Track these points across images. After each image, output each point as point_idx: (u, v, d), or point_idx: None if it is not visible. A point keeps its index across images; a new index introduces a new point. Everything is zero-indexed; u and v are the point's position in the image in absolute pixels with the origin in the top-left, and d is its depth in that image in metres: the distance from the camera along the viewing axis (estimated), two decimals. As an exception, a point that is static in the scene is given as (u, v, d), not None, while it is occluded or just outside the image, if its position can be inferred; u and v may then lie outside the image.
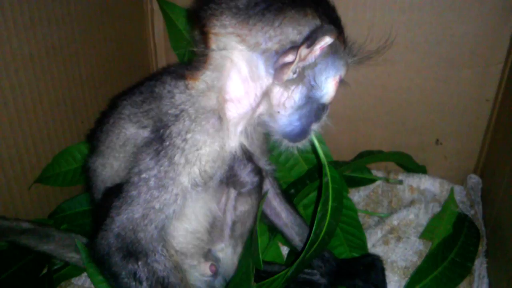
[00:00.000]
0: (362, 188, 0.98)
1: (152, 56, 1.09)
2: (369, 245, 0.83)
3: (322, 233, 0.65)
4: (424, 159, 1.00)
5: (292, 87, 0.57)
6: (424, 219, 0.89)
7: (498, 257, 0.79)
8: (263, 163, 0.69)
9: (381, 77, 0.96)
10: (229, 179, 0.66)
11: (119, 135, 0.63)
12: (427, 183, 0.97)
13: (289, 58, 0.54)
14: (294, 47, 0.54)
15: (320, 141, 0.68)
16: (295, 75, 0.56)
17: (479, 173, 0.98)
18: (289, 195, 0.83)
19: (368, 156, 0.96)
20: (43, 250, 0.72)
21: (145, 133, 0.59)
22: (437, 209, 0.91)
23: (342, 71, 0.60)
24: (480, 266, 0.80)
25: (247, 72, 0.57)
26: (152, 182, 0.55)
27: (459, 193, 0.95)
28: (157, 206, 0.55)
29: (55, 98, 0.81)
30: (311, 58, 0.55)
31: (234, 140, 0.60)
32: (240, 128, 0.61)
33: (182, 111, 0.57)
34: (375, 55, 0.60)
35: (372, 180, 0.97)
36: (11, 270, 0.69)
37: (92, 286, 0.70)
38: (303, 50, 0.54)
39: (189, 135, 0.56)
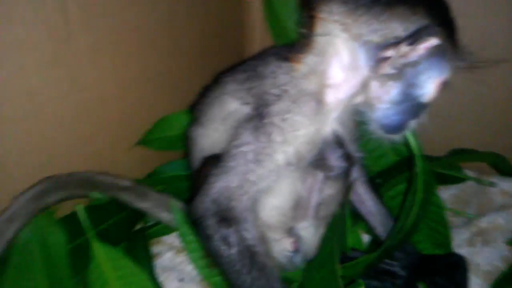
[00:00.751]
0: (451, 186, 0.95)
1: (248, 36, 1.12)
2: (454, 244, 0.81)
3: (408, 223, 0.65)
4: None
5: (390, 82, 0.57)
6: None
7: None
8: (353, 150, 0.70)
9: (481, 72, 0.92)
10: (318, 162, 0.67)
11: (221, 109, 0.66)
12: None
13: (390, 53, 0.54)
14: (397, 43, 0.54)
15: (413, 134, 0.67)
16: (394, 71, 0.56)
17: None
18: (375, 184, 0.82)
19: (461, 154, 0.93)
20: (138, 207, 0.78)
21: (247, 110, 0.62)
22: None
23: (447, 74, 0.59)
24: None
25: (348, 60, 0.58)
26: (249, 156, 0.58)
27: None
28: (252, 179, 0.58)
29: (159, 68, 0.86)
30: (413, 56, 0.55)
31: (329, 125, 0.62)
32: (335, 114, 0.62)
33: (283, 91, 0.59)
34: (487, 65, 0.58)
35: (462, 179, 0.94)
36: (108, 223, 0.76)
37: (181, 245, 0.75)
38: (405, 47, 0.54)
39: (288, 115, 0.58)
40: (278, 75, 0.60)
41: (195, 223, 0.60)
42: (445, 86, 0.60)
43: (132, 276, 0.67)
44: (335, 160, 0.67)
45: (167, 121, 0.89)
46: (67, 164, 0.74)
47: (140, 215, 0.81)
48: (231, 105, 0.65)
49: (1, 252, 0.64)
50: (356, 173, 0.75)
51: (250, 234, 0.60)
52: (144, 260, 0.73)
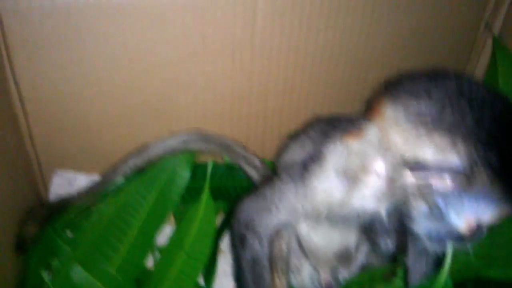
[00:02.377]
0: None
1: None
2: None
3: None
4: None
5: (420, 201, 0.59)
6: None
7: None
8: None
9: None
10: (368, 233, 0.73)
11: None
12: None
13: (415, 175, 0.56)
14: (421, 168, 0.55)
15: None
16: (419, 193, 0.58)
17: None
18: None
19: None
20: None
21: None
22: None
23: (486, 215, 0.56)
24: None
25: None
26: (277, 190, 0.70)
27: None
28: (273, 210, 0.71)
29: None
30: (439, 186, 0.55)
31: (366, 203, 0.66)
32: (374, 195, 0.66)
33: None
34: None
35: None
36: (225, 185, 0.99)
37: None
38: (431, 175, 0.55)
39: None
40: (331, 136, 0.68)
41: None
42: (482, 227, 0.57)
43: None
44: (383, 240, 0.72)
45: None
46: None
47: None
48: (297, 146, 0.77)
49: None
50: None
51: (261, 249, 0.73)
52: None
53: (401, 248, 0.71)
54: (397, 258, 0.74)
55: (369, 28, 0.92)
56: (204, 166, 0.96)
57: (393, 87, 0.62)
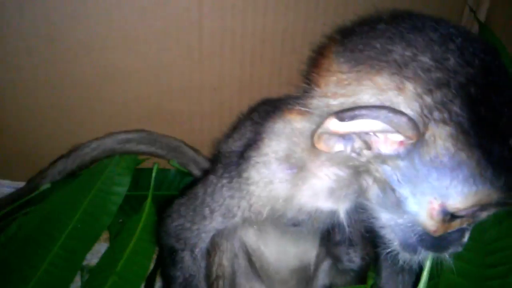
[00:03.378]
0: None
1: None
2: None
3: None
4: None
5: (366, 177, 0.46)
6: None
7: None
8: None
9: None
10: (327, 246, 0.59)
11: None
12: None
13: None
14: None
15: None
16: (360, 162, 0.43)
17: None
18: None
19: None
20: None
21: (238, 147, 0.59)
22: None
23: (455, 199, 0.39)
24: None
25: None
26: (209, 192, 0.56)
27: None
28: (205, 215, 0.57)
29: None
30: (380, 149, 0.40)
31: (314, 200, 0.52)
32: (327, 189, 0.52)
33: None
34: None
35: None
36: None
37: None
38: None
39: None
40: (275, 123, 0.52)
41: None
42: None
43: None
44: (344, 254, 0.58)
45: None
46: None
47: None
48: (237, 133, 0.62)
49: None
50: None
51: (195, 265, 0.58)
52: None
53: (370, 264, 0.57)
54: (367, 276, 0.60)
55: (338, 11, 0.80)
56: (149, 171, 0.83)
57: (342, 33, 0.47)
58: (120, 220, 0.80)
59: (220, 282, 0.62)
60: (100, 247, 0.78)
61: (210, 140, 0.79)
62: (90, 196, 0.77)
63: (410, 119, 0.36)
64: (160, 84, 0.80)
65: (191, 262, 0.58)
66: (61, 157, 0.80)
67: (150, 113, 0.82)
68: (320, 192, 0.48)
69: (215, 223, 0.56)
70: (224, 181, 0.54)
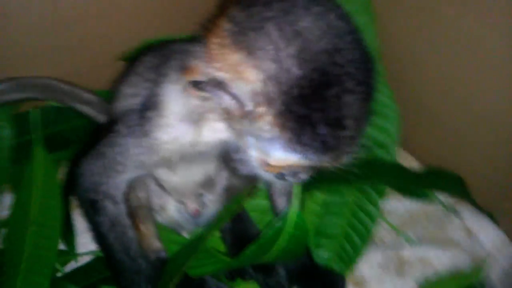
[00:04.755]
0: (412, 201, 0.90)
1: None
2: (366, 261, 0.82)
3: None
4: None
5: None
6: (443, 267, 0.83)
7: None
8: None
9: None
10: (225, 160, 0.68)
11: (124, 88, 0.69)
12: (485, 231, 0.87)
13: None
14: None
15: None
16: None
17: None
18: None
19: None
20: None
21: (135, 101, 0.64)
22: (464, 265, 0.83)
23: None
24: None
25: None
26: (119, 147, 0.62)
27: (506, 260, 0.84)
28: (118, 168, 0.63)
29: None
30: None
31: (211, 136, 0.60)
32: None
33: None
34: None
35: (424, 196, 0.89)
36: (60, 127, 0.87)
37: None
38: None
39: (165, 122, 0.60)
40: (168, 79, 0.59)
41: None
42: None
43: (50, 187, 0.79)
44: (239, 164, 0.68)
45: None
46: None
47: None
48: (130, 89, 0.67)
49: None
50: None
51: (116, 212, 0.66)
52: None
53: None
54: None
55: None
56: (27, 114, 0.84)
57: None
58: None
59: (140, 211, 0.71)
60: (5, 199, 0.81)
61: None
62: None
63: (234, 100, 0.47)
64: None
65: (113, 208, 0.65)
66: None
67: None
68: (219, 132, 0.57)
69: (129, 174, 0.64)
70: (130, 140, 0.60)
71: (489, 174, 0.86)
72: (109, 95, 0.89)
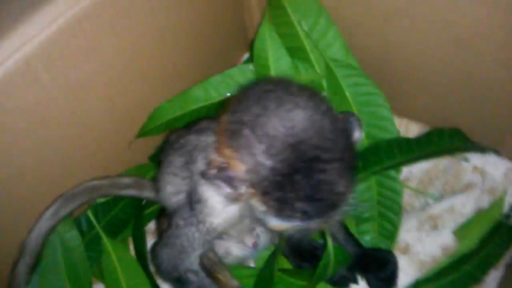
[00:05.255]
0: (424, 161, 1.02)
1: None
2: (404, 229, 0.95)
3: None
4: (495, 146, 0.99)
5: None
6: (469, 211, 0.96)
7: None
8: None
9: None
10: None
11: (166, 184, 0.81)
12: (493, 166, 0.99)
13: None
14: None
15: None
16: None
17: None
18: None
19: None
20: (141, 197, 0.99)
21: (182, 197, 0.77)
22: (486, 203, 0.96)
23: None
24: (493, 279, 0.89)
25: None
26: (183, 237, 0.75)
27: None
28: (188, 252, 0.77)
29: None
30: None
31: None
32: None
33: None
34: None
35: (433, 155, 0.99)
36: (110, 215, 0.99)
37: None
38: None
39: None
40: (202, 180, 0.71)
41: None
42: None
43: (131, 266, 0.92)
44: None
45: (162, 109, 1.00)
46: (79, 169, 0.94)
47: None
48: (172, 187, 0.79)
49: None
50: None
51: (198, 278, 0.81)
52: (142, 244, 0.97)
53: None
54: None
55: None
56: (80, 219, 0.97)
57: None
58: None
59: (214, 266, 0.85)
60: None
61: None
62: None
63: (230, 185, 0.59)
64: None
65: (194, 276, 0.80)
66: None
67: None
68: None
69: (198, 251, 0.77)
70: (190, 228, 0.74)
71: (480, 116, 0.99)
72: (138, 170, 1.03)
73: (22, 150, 0.79)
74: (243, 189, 0.59)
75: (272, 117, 0.57)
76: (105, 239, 0.93)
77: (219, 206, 0.71)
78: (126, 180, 0.97)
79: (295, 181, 0.56)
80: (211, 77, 1.00)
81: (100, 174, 0.96)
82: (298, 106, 0.58)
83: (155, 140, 1.05)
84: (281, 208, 0.57)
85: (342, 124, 0.61)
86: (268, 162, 0.56)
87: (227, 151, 0.60)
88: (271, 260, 0.87)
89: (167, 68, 0.98)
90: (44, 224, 0.89)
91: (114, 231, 0.98)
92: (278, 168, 0.56)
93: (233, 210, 0.70)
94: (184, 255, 0.77)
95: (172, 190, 0.80)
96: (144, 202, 1.03)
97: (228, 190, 0.60)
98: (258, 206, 0.59)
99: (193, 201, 0.73)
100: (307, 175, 0.56)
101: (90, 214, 0.96)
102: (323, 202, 0.57)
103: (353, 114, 0.64)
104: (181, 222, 0.75)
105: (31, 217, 0.89)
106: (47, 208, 0.90)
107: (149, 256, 0.94)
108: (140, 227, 0.99)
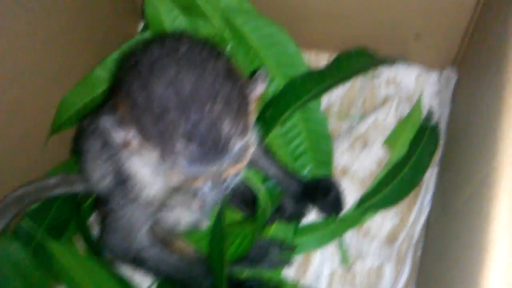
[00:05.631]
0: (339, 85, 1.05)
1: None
2: (338, 153, 0.99)
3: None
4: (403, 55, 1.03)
5: None
6: (392, 122, 1.01)
7: (447, 167, 0.93)
8: None
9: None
10: None
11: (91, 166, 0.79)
12: (404, 74, 1.05)
13: None
14: None
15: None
16: None
17: (457, 67, 1.02)
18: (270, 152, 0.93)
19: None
20: (71, 193, 0.96)
21: (109, 179, 0.76)
22: (407, 110, 1.01)
23: None
24: (430, 177, 0.95)
25: None
26: (127, 215, 0.75)
27: (432, 86, 1.02)
28: (136, 228, 0.77)
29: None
30: None
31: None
32: None
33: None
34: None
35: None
36: (48, 218, 0.95)
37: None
38: None
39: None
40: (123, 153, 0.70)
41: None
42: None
43: (82, 262, 0.90)
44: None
45: (67, 100, 0.96)
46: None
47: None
48: (98, 171, 0.77)
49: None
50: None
51: (154, 253, 0.81)
52: (90, 237, 0.95)
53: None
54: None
55: None
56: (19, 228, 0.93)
57: None
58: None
59: (167, 237, 0.84)
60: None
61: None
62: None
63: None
64: None
65: (149, 253, 0.80)
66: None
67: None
68: None
69: (144, 227, 0.78)
70: (129, 206, 0.74)
71: (382, 31, 1.03)
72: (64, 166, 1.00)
73: None
74: (130, 133, 0.59)
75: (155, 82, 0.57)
76: (50, 243, 0.91)
77: (148, 177, 0.70)
78: (53, 180, 0.94)
79: (172, 118, 0.56)
80: (110, 55, 0.98)
81: (24, 180, 0.92)
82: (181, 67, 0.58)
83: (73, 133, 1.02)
84: (164, 149, 0.57)
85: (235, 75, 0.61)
86: (147, 104, 0.57)
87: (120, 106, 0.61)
88: (218, 218, 0.88)
89: (61, 59, 0.95)
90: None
91: (57, 233, 0.94)
92: (154, 107, 0.56)
93: (161, 178, 0.70)
94: (132, 235, 0.77)
95: (99, 175, 0.78)
96: (79, 197, 0.99)
97: (118, 132, 0.59)
98: (148, 154, 0.59)
99: (122, 180, 0.72)
100: (183, 113, 0.56)
101: (27, 221, 0.92)
102: (204, 143, 0.57)
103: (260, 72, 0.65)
104: (118, 204, 0.74)
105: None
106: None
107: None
108: (83, 222, 0.96)
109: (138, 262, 0.80)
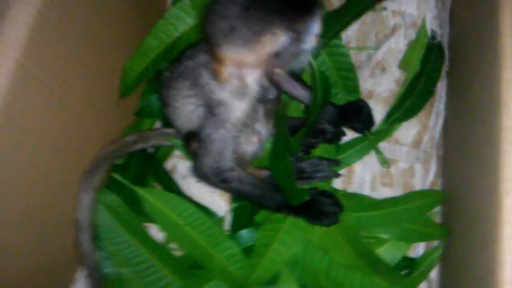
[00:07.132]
0: (354, 22, 1.22)
1: None
2: (361, 80, 1.17)
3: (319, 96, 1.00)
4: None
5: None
6: (403, 46, 1.19)
7: (454, 77, 1.12)
8: None
9: None
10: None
11: (182, 107, 0.96)
12: (407, 4, 1.22)
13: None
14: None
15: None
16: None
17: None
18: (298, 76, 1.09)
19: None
20: (147, 147, 1.13)
21: (202, 110, 0.93)
22: (414, 34, 1.19)
23: None
24: (441, 87, 1.14)
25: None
26: (218, 141, 0.93)
27: (432, 10, 1.20)
28: (226, 153, 0.95)
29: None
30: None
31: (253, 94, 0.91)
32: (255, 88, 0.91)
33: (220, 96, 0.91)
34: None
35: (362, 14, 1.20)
36: (133, 170, 1.14)
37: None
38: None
39: (229, 110, 0.91)
40: (212, 86, 0.89)
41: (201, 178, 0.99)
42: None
43: (169, 199, 1.08)
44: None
45: (128, 67, 1.12)
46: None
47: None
48: (189, 107, 0.94)
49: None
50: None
51: (237, 174, 0.98)
52: (169, 180, 1.13)
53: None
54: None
55: None
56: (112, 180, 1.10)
57: None
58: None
59: (242, 163, 1.02)
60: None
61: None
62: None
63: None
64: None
65: (233, 173, 0.97)
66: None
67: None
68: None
69: (230, 148, 0.95)
70: (220, 130, 0.92)
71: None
72: (132, 128, 1.17)
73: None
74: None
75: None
76: (138, 189, 1.07)
77: (236, 101, 0.89)
78: (132, 137, 1.11)
79: None
80: (156, 24, 1.13)
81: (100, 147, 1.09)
82: None
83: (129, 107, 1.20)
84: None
85: None
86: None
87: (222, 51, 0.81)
88: (279, 122, 1.04)
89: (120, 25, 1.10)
90: (84, 197, 1.03)
91: (140, 182, 1.12)
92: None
93: (245, 102, 0.90)
94: (222, 157, 0.94)
95: (189, 111, 0.95)
96: (150, 151, 1.18)
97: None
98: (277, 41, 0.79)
99: (213, 107, 0.90)
100: None
101: (116, 174, 1.10)
102: None
103: None
104: (211, 130, 0.92)
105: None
106: (80, 183, 1.03)
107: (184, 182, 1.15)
108: (159, 167, 1.15)
109: (226, 181, 0.97)
